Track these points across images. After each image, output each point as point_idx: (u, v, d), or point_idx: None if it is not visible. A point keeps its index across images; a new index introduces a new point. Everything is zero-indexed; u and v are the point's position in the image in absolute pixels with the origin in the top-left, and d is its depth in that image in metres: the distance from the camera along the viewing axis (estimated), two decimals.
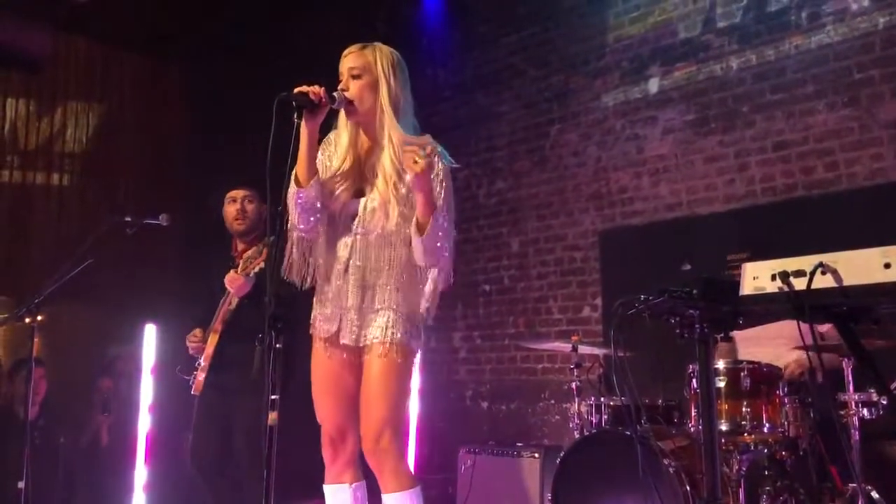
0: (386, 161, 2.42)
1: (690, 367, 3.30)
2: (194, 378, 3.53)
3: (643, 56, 5.07)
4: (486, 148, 5.83)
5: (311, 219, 2.44)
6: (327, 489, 2.52)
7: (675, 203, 4.84)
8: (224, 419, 3.53)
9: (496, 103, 5.83)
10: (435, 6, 6.25)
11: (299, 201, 2.41)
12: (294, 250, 2.50)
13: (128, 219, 3.72)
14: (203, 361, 3.50)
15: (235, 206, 3.70)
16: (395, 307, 2.40)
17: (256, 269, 3.50)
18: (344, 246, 2.45)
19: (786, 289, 1.56)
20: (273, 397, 2.19)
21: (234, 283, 3.46)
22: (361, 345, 2.42)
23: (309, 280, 2.51)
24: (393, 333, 2.38)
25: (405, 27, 6.28)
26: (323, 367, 2.52)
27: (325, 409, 2.50)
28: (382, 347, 2.38)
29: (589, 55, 5.34)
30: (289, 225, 2.47)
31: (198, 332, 3.58)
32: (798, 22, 4.45)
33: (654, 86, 5.00)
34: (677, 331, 2.08)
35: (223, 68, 7.40)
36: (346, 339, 2.44)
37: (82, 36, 7.08)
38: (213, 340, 3.52)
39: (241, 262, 3.59)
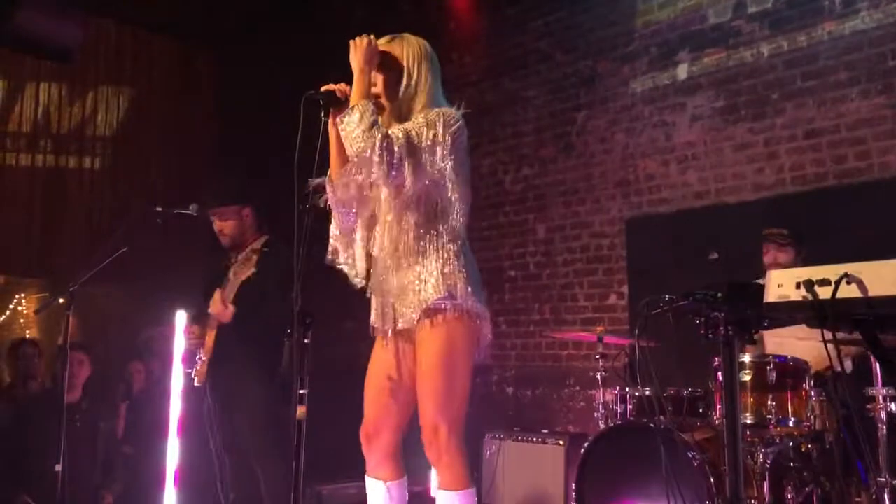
0: None
1: (716, 359, 3.30)
2: (196, 370, 3.70)
3: (672, 41, 5.01)
4: (513, 133, 5.82)
5: (349, 215, 2.48)
6: (367, 480, 2.54)
7: (703, 191, 4.81)
8: (231, 406, 3.69)
9: (523, 88, 5.80)
10: None
11: (334, 199, 2.46)
12: (337, 249, 2.53)
13: (159, 209, 3.78)
14: (204, 355, 3.68)
15: (214, 227, 3.84)
16: (429, 279, 2.36)
17: (245, 277, 3.67)
18: (380, 235, 2.48)
19: (810, 297, 1.56)
20: (301, 392, 2.24)
21: (221, 314, 3.63)
22: (407, 327, 2.39)
23: (360, 276, 2.52)
24: (434, 301, 2.34)
25: (431, 11, 6.26)
26: (373, 359, 2.54)
27: (366, 401, 2.52)
28: (427, 320, 2.34)
29: (617, 40, 5.29)
30: (331, 227, 2.51)
31: (196, 328, 3.75)
32: (832, 7, 4.37)
33: (682, 72, 4.94)
34: (702, 331, 2.08)
35: (255, 53, 7.44)
36: (399, 325, 2.41)
37: (113, 20, 7.16)
38: (211, 335, 3.68)
39: (233, 268, 3.77)
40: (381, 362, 2.51)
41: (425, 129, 2.34)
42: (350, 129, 2.27)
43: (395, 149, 2.26)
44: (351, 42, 2.38)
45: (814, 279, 1.55)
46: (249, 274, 3.69)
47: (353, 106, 2.29)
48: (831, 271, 1.54)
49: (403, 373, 2.48)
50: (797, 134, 4.45)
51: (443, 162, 2.34)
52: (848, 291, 1.51)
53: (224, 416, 3.74)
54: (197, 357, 3.72)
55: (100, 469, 4.61)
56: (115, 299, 6.46)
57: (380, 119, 2.42)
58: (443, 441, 2.33)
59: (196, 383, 3.75)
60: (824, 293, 1.55)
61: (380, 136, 2.24)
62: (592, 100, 5.39)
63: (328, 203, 2.48)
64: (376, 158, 2.23)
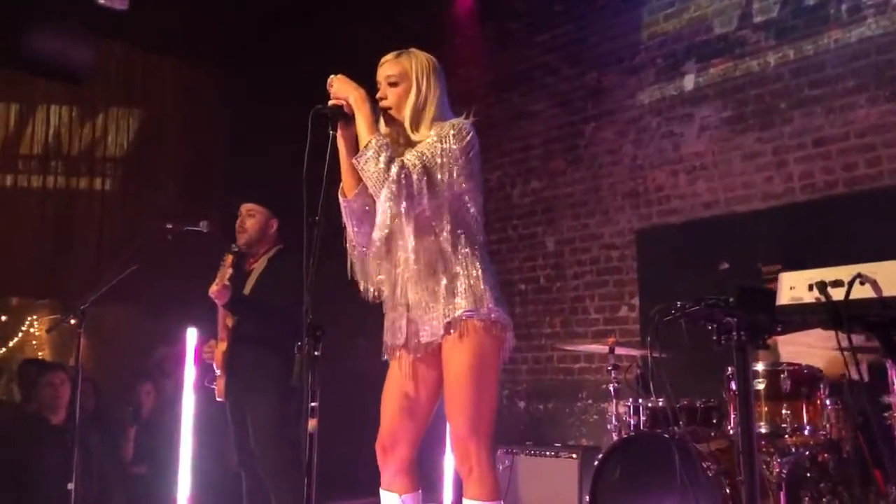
0: None
1: (729, 368, 3.28)
2: (216, 385, 3.74)
3: (678, 52, 5.02)
4: (521, 147, 5.83)
5: (362, 228, 2.47)
6: (381, 493, 2.54)
7: (712, 201, 4.79)
8: (245, 418, 3.69)
9: (530, 102, 5.81)
10: (468, 4, 6.25)
11: (347, 211, 2.46)
12: (353, 263, 2.52)
13: (169, 225, 3.81)
14: (218, 369, 3.69)
15: (239, 220, 3.84)
16: (454, 291, 2.36)
17: (256, 276, 3.75)
18: (401, 250, 2.45)
19: (823, 299, 1.54)
20: (312, 405, 2.23)
21: (216, 293, 3.56)
22: (430, 340, 2.37)
23: (376, 291, 2.50)
24: (460, 312, 2.33)
25: (438, 26, 6.30)
26: (391, 373, 2.53)
27: (383, 414, 2.52)
28: (454, 332, 2.33)
29: (623, 52, 5.30)
30: (347, 240, 2.51)
31: (212, 342, 3.79)
32: (837, 15, 4.37)
33: (689, 83, 4.94)
34: (714, 337, 2.07)
35: (263, 72, 7.49)
36: (422, 339, 2.40)
37: (122, 42, 7.22)
38: (222, 347, 3.71)
39: (250, 274, 3.81)
40: (398, 377, 2.50)
41: (439, 145, 2.36)
42: (368, 170, 2.30)
43: (415, 179, 2.29)
44: (332, 81, 2.42)
45: (826, 280, 1.54)
46: (262, 270, 3.74)
47: (367, 144, 2.31)
48: (844, 272, 1.52)
49: (420, 388, 2.47)
50: (806, 142, 4.44)
51: (459, 175, 2.36)
52: (862, 292, 1.50)
53: (240, 430, 3.73)
54: (216, 373, 3.76)
55: (96, 488, 4.58)
56: (125, 318, 6.47)
57: (388, 129, 2.45)
58: (474, 454, 2.33)
59: (217, 398, 3.76)
60: (837, 294, 1.53)
61: (396, 170, 2.27)
62: (600, 112, 5.39)
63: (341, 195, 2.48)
64: (396, 195, 2.26)
